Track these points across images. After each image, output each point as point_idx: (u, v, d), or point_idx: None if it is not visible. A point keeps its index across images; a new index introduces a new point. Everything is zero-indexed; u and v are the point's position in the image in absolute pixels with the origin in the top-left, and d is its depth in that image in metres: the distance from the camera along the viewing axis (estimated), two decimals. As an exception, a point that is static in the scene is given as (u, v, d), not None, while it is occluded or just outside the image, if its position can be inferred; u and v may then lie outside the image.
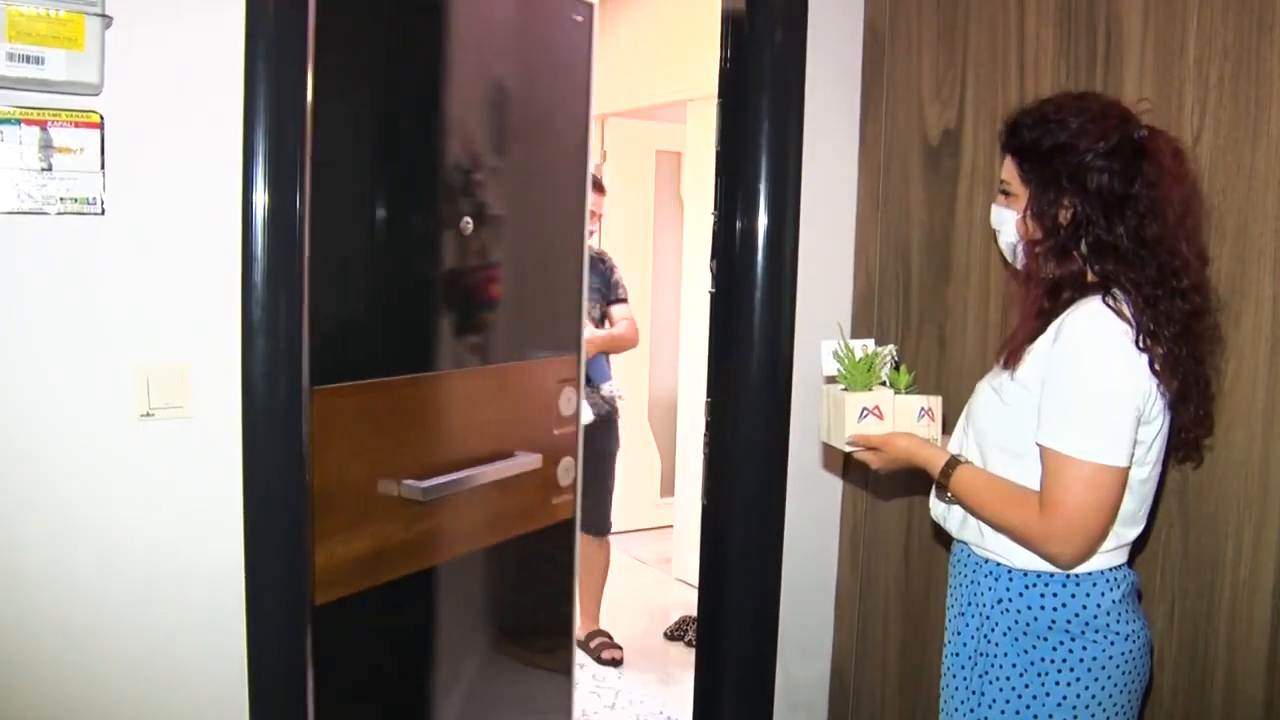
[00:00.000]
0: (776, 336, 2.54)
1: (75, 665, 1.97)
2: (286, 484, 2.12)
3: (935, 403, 1.80)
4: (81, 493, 1.94)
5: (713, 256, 2.69)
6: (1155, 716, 1.98)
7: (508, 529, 2.63)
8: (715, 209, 2.67)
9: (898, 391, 1.80)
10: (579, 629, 3.70)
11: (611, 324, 3.98)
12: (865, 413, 1.76)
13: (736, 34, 2.58)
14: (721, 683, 2.72)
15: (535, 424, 2.66)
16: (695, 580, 2.92)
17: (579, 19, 2.72)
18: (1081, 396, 1.50)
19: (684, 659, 3.88)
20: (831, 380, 1.84)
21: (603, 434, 3.90)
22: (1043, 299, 1.59)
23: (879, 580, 2.66)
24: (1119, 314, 1.50)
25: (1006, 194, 1.68)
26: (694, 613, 3.02)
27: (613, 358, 4.10)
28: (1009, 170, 1.66)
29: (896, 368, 1.83)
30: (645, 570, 4.99)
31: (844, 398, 1.78)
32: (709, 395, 2.72)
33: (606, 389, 3.93)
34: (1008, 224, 1.67)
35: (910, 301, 2.53)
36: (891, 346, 1.87)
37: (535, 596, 2.84)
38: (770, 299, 2.56)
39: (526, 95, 2.67)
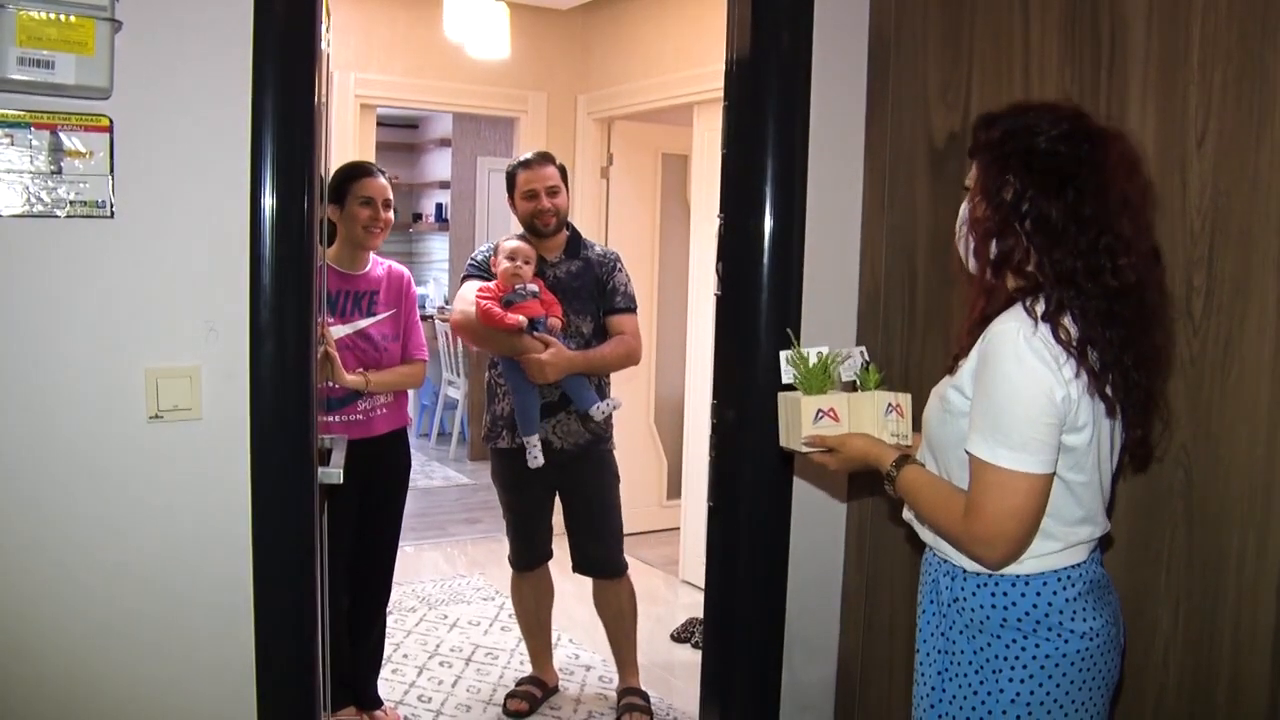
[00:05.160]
0: (782, 339, 2.55)
1: (82, 663, 1.98)
2: (295, 485, 2.13)
3: (904, 399, 1.82)
4: (90, 493, 1.96)
5: (719, 259, 2.70)
6: (1160, 717, 1.98)
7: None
8: (721, 212, 2.68)
9: (866, 389, 1.83)
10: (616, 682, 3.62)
11: (609, 338, 3.35)
12: (821, 414, 1.79)
13: (743, 37, 2.58)
14: (728, 684, 2.73)
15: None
16: (702, 583, 2.92)
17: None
18: (1000, 404, 1.52)
19: (691, 661, 3.88)
20: (789, 388, 1.87)
21: (587, 469, 3.38)
22: (986, 276, 1.61)
23: (884, 581, 2.66)
24: (1035, 316, 1.52)
25: (968, 190, 1.69)
26: (700, 615, 3.02)
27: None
28: (971, 172, 1.68)
29: (866, 368, 1.86)
30: (652, 573, 4.99)
31: (800, 400, 1.81)
32: (715, 398, 2.73)
33: (598, 410, 3.26)
34: (964, 221, 1.69)
35: (916, 304, 2.54)
36: (860, 348, 1.90)
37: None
38: (776, 302, 2.56)
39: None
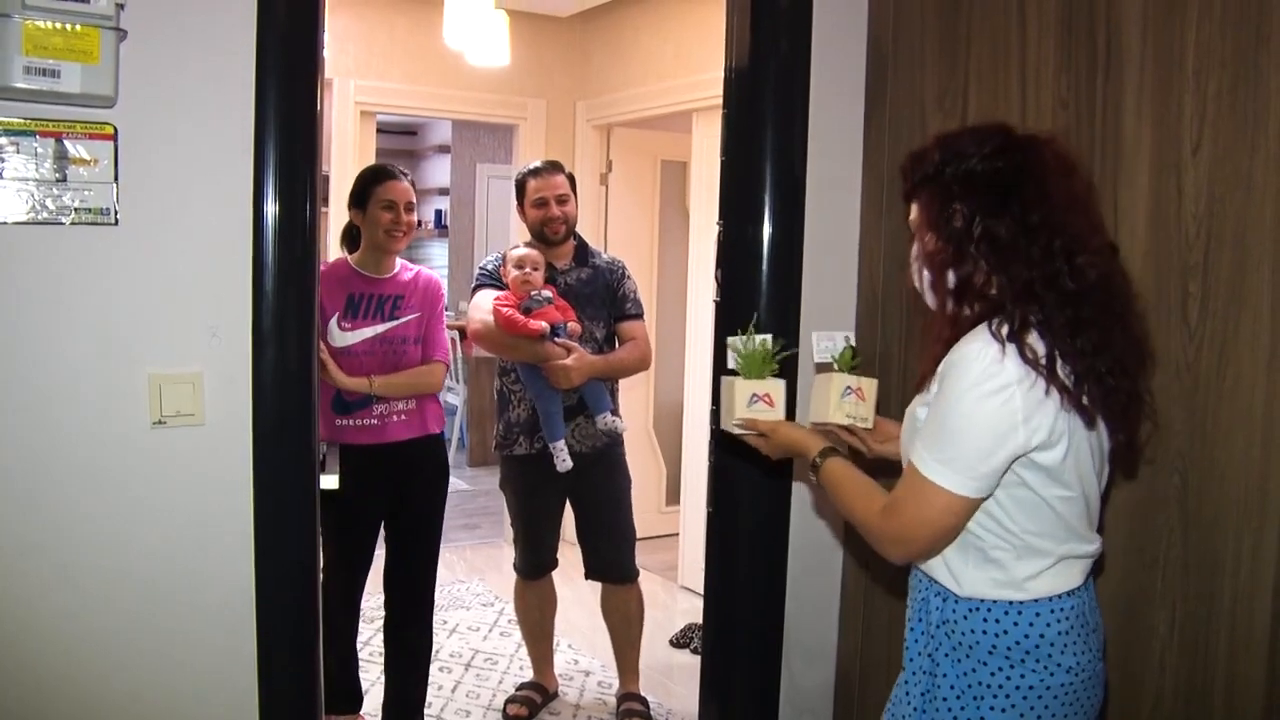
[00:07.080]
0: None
1: (83, 666, 1.99)
2: (297, 490, 2.14)
3: (867, 384, 1.84)
4: (93, 497, 1.97)
5: (718, 265, 2.71)
6: (1157, 721, 2.00)
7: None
8: (720, 218, 2.69)
9: (841, 370, 1.86)
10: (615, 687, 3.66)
11: (620, 344, 3.41)
12: (756, 399, 1.84)
13: (742, 45, 2.60)
14: (728, 689, 2.74)
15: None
16: (701, 588, 2.93)
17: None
18: (943, 418, 1.52)
19: (690, 666, 3.89)
20: (733, 372, 1.90)
21: (601, 472, 3.40)
22: (949, 305, 1.59)
23: (883, 585, 2.67)
24: (1000, 339, 1.49)
25: (914, 230, 1.67)
26: (699, 620, 3.03)
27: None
28: (912, 213, 1.67)
29: (844, 352, 1.88)
30: (651, 578, 4.99)
31: (735, 383, 1.85)
32: (714, 404, 2.74)
33: (604, 421, 3.29)
34: (917, 257, 1.67)
35: (914, 308, 2.55)
36: (846, 334, 1.92)
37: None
38: (775, 307, 2.57)
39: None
